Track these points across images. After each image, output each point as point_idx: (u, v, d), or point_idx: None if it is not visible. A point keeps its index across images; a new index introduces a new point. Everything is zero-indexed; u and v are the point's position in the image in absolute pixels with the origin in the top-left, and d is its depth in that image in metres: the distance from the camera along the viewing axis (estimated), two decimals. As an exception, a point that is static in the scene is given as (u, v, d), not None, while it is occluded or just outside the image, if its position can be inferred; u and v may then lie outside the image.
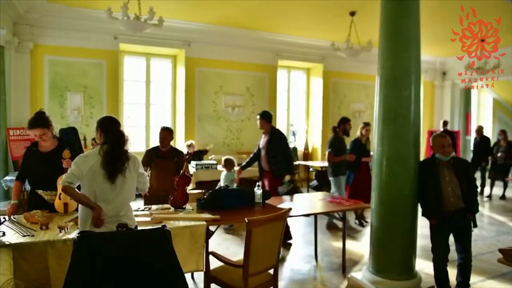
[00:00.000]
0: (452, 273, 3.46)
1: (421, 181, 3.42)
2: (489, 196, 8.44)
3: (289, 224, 4.89)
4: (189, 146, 7.42)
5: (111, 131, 2.59)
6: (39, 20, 6.77)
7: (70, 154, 3.06)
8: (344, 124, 6.02)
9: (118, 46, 7.51)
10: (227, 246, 4.80)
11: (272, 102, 9.25)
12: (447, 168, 3.38)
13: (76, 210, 2.84)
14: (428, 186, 3.38)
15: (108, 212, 2.50)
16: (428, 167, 3.43)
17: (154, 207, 3.58)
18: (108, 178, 2.49)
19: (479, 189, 3.79)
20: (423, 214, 3.48)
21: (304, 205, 4.27)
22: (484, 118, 13.50)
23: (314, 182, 8.32)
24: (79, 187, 2.57)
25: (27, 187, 3.40)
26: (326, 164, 8.39)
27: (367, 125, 6.22)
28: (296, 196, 4.60)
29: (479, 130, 9.04)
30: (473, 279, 3.90)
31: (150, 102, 8.43)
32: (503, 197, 8.40)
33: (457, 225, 3.36)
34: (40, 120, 3.14)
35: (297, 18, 7.57)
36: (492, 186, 8.59)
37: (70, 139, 3.74)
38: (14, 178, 3.58)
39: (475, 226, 3.45)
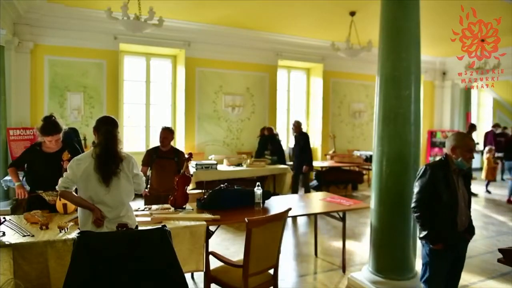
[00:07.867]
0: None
1: (432, 190, 2.61)
2: None
3: (289, 223, 4.88)
4: (265, 129, 7.71)
5: (103, 131, 2.52)
6: (39, 20, 6.77)
7: (70, 155, 3.06)
8: None
9: (118, 46, 7.51)
10: (227, 246, 4.80)
11: (272, 102, 9.26)
12: (458, 177, 2.70)
13: (76, 210, 2.84)
14: (443, 199, 2.59)
15: (108, 214, 2.49)
16: (443, 173, 2.62)
17: (154, 207, 3.57)
18: (102, 182, 2.46)
19: None
20: (425, 236, 2.62)
21: (304, 205, 4.27)
22: (484, 118, 13.51)
23: (314, 182, 8.34)
24: (77, 190, 2.55)
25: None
26: (326, 164, 8.46)
27: None
28: (296, 196, 4.59)
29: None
30: (473, 279, 3.91)
31: (150, 102, 8.43)
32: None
33: (460, 252, 2.72)
34: (55, 127, 3.18)
35: (297, 18, 7.57)
36: None
37: (72, 141, 3.74)
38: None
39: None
